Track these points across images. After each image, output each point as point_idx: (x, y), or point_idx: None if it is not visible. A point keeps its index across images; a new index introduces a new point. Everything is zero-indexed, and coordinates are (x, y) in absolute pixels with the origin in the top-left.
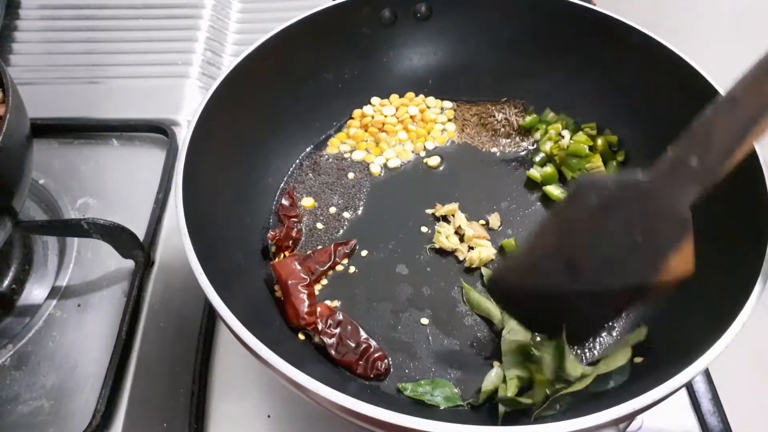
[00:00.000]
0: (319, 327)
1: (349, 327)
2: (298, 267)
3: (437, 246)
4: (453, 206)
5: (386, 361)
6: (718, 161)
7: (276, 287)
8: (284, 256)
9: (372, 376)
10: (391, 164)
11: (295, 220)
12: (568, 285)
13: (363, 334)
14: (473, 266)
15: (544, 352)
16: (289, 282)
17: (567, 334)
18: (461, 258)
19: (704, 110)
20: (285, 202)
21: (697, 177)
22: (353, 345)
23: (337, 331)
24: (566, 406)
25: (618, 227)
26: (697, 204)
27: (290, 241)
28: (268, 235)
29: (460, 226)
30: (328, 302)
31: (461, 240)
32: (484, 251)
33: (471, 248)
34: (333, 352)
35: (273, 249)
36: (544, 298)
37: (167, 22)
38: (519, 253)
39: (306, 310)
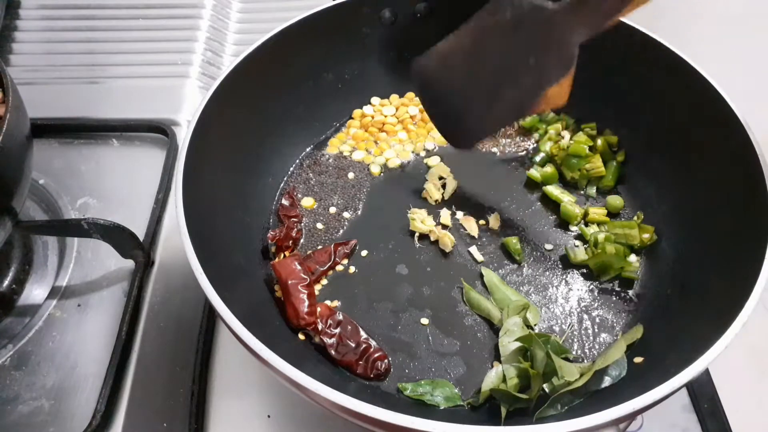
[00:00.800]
0: (319, 327)
1: (349, 327)
2: (298, 267)
3: (417, 233)
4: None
5: (386, 361)
6: (611, 10)
7: (276, 287)
8: (284, 256)
9: (372, 376)
10: (391, 164)
11: (295, 220)
12: (471, 83)
13: (363, 334)
14: (447, 250)
15: (536, 347)
16: (289, 282)
17: (459, 133)
18: (433, 239)
19: None
20: (285, 202)
21: (591, 19)
22: (353, 345)
23: (337, 331)
24: (567, 405)
25: (520, 44)
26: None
27: (290, 241)
28: (268, 235)
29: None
30: (328, 302)
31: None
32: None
33: (445, 227)
34: (333, 352)
35: (273, 249)
36: (452, 92)
37: (167, 22)
38: (441, 48)
39: (306, 310)
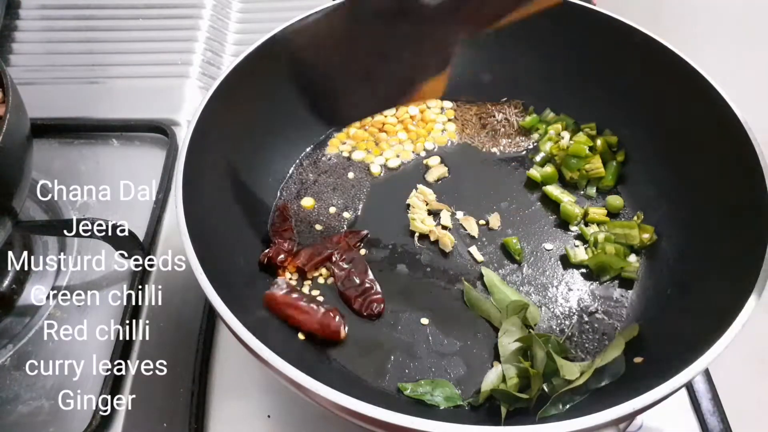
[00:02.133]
0: (334, 258)
1: (360, 266)
2: (282, 287)
3: (417, 233)
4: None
5: (382, 305)
6: (491, 15)
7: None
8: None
9: (365, 314)
10: (391, 164)
11: (288, 234)
12: (343, 67)
13: (371, 275)
14: (447, 250)
15: (536, 347)
16: (288, 299)
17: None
18: (433, 239)
19: None
20: (276, 221)
21: (469, 21)
22: (358, 282)
23: (349, 266)
24: (569, 404)
25: (395, 36)
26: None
27: (283, 255)
28: (259, 258)
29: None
30: (329, 305)
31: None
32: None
33: (445, 228)
34: (339, 284)
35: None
36: (324, 71)
37: (167, 22)
38: (310, 23)
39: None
